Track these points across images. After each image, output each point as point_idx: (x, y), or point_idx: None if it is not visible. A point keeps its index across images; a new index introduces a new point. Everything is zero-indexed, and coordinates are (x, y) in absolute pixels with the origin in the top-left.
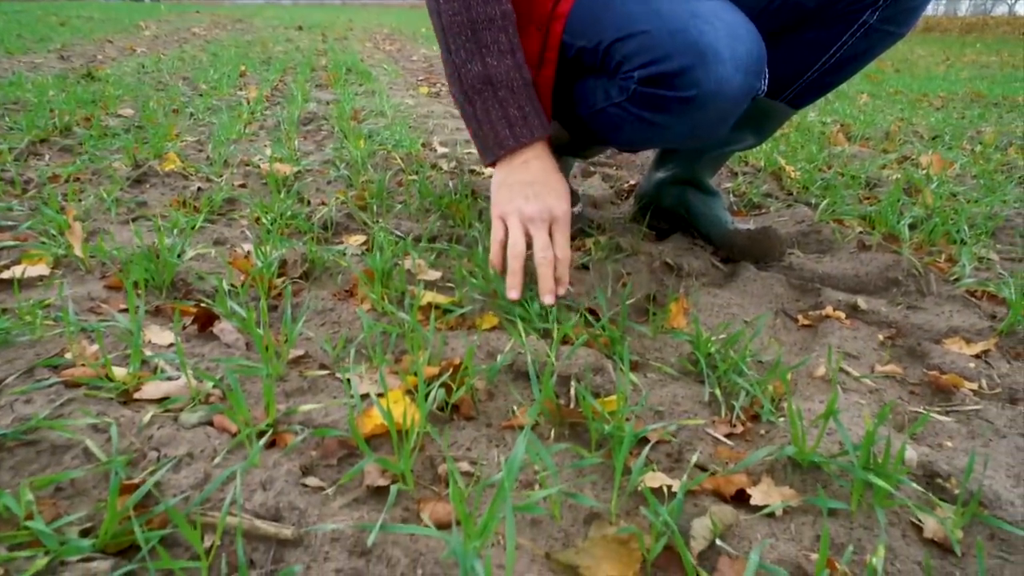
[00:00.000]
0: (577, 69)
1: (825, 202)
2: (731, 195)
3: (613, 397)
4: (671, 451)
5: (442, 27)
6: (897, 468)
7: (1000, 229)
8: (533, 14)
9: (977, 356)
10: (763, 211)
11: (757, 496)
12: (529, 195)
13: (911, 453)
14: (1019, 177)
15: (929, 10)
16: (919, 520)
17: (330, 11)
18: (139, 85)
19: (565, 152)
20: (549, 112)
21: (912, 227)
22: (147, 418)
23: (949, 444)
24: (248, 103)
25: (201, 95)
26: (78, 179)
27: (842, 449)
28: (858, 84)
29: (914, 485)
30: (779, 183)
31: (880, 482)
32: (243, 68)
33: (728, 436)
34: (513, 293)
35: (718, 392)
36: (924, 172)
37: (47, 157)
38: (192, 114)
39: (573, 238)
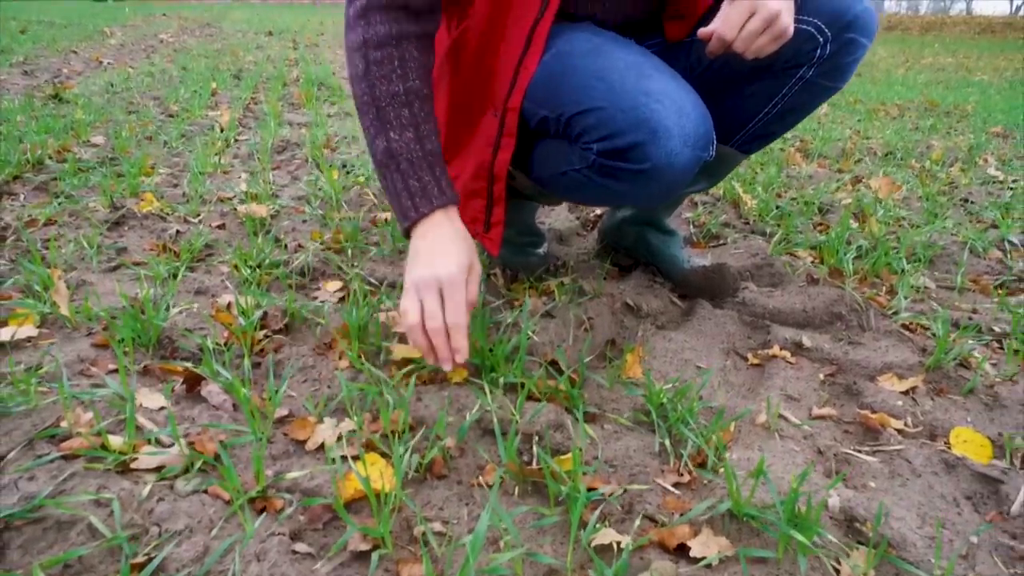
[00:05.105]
0: (540, 133)
1: (778, 235)
2: (691, 225)
3: (570, 455)
4: (623, 503)
5: (356, 106)
6: (816, 521)
7: (938, 257)
8: (489, 100)
9: (905, 393)
10: (721, 242)
11: (696, 548)
12: (420, 263)
13: (834, 500)
14: (960, 199)
15: (892, 8)
16: (837, 564)
17: (300, 11)
18: (109, 107)
19: (530, 198)
20: (500, 187)
21: (859, 256)
22: (146, 491)
23: (872, 484)
24: (221, 129)
25: (173, 117)
26: (55, 222)
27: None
28: None
29: (829, 536)
30: (737, 212)
31: (799, 536)
32: (214, 86)
33: (676, 485)
34: (430, 358)
35: (667, 443)
36: (874, 195)
37: (22, 197)
38: (166, 142)
39: (540, 280)
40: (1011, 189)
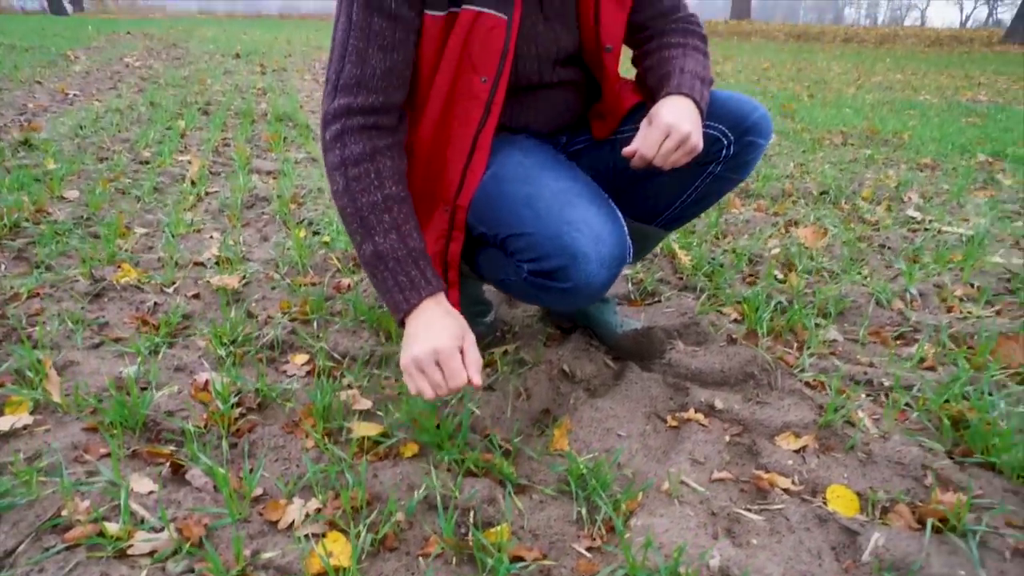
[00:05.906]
0: (480, 241)
1: (705, 295)
2: (629, 283)
3: (497, 528)
4: (543, 568)
5: (340, 216)
6: None
7: (848, 309)
8: (440, 196)
9: (797, 451)
10: (656, 299)
11: None
12: (416, 342)
13: (715, 560)
14: (879, 244)
15: (852, 16)
16: None
17: (268, 26)
18: (80, 155)
19: (478, 278)
20: (454, 274)
21: (781, 311)
22: None
23: (755, 542)
24: (192, 183)
25: (144, 164)
26: (38, 295)
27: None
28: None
29: None
30: (673, 267)
31: None
32: (182, 125)
33: (589, 549)
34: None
35: (584, 511)
36: (800, 244)
37: (3, 267)
38: (138, 198)
39: (486, 348)
40: (926, 230)
